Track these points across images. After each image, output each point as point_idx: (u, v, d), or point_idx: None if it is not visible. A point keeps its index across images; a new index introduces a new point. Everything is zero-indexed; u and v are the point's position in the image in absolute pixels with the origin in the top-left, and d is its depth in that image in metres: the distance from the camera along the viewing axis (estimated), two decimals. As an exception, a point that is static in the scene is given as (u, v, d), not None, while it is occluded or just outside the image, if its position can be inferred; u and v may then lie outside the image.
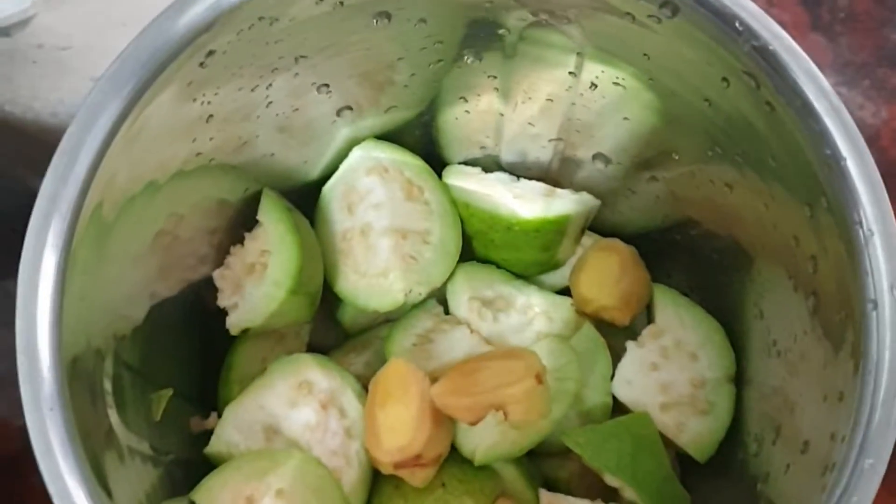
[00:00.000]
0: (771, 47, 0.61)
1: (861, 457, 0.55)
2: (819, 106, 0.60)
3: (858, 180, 0.59)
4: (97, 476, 0.57)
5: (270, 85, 0.71)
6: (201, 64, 0.64)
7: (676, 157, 0.77)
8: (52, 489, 0.55)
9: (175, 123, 0.66)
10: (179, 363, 0.80)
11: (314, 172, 0.85)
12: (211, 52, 0.64)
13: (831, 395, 0.60)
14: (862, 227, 0.58)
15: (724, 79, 0.65)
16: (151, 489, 0.69)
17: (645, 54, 0.69)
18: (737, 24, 0.62)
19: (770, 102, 0.62)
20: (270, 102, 0.73)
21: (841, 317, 0.61)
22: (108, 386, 0.65)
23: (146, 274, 0.73)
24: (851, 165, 0.59)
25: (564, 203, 0.83)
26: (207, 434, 0.77)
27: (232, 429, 0.76)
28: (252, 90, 0.70)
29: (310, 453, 0.75)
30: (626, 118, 0.78)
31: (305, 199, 0.85)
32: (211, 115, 0.69)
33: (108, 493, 0.59)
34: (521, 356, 0.75)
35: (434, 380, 0.76)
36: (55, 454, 0.55)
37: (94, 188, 0.59)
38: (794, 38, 1.08)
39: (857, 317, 0.58)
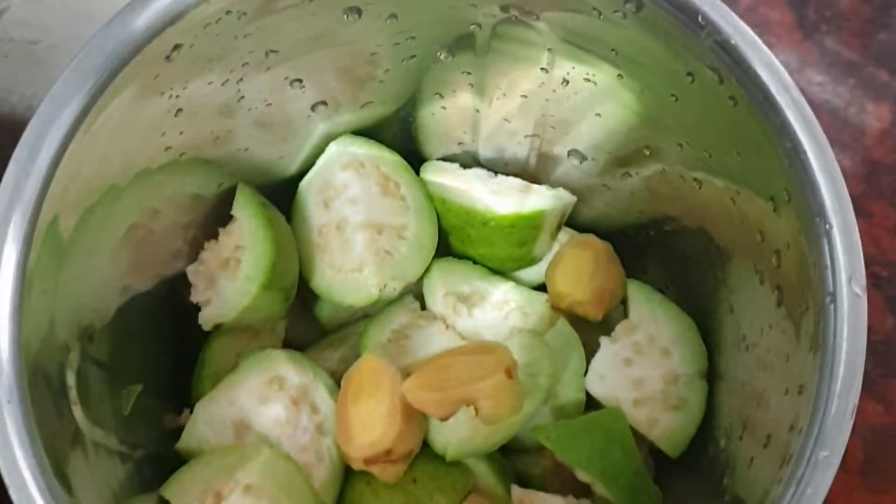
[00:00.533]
0: (733, 41, 0.61)
1: (816, 448, 0.55)
2: (780, 99, 0.60)
3: (819, 173, 0.59)
4: (56, 470, 0.57)
5: (241, 79, 0.72)
6: (167, 57, 0.64)
7: (648, 153, 0.77)
8: (8, 481, 0.55)
9: (142, 117, 0.66)
10: (152, 359, 0.80)
11: (291, 168, 0.86)
12: (177, 46, 0.64)
13: (793, 388, 0.60)
14: (822, 220, 0.58)
15: (690, 73, 0.65)
16: (119, 485, 0.69)
17: (613, 50, 0.69)
18: (699, 19, 0.61)
19: (733, 97, 0.62)
20: (242, 97, 0.73)
21: (802, 309, 0.61)
22: (72, 380, 0.65)
23: (117, 268, 0.73)
24: (812, 158, 0.59)
25: (540, 199, 0.83)
26: (179, 430, 0.77)
27: (203, 424, 0.76)
28: (222, 84, 0.71)
29: (280, 449, 0.75)
30: (598, 114, 0.78)
31: (283, 195, 0.85)
32: (180, 109, 0.69)
33: (69, 487, 0.59)
34: (491, 351, 0.75)
35: (408, 375, 0.76)
36: (12, 446, 0.56)
37: (57, 180, 0.60)
38: (780, 37, 1.08)
39: (816, 309, 0.58)
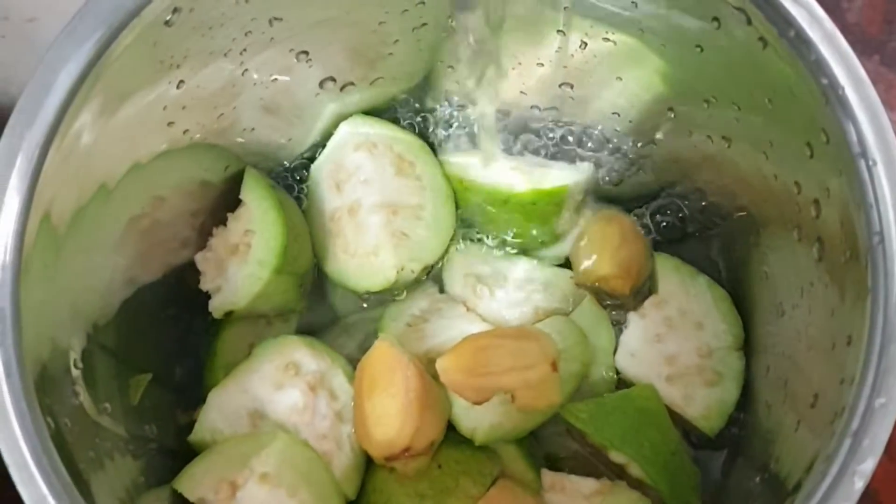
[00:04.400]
0: (759, -25, 0.57)
1: (873, 396, 0.51)
2: (812, 34, 0.56)
3: (858, 108, 0.55)
4: (66, 460, 0.54)
5: (245, 50, 0.69)
6: (167, 22, 0.61)
7: (672, 115, 0.74)
8: (7, 459, 0.52)
9: (143, 87, 0.63)
10: (161, 349, 0.77)
11: (300, 151, 0.83)
12: (176, 10, 0.61)
13: (840, 342, 0.56)
14: (864, 157, 0.54)
15: (715, 18, 0.62)
16: (133, 480, 0.66)
17: (633, 2, 0.66)
18: (723, -46, 0.58)
19: (763, 37, 0.59)
20: (246, 70, 0.71)
21: (846, 257, 0.57)
22: (77, 363, 0.62)
23: (121, 260, 0.70)
24: (850, 94, 0.55)
25: (561, 174, 0.80)
26: (193, 424, 0.74)
27: (216, 415, 0.73)
28: (225, 55, 0.68)
29: (297, 436, 0.71)
30: (619, 79, 0.75)
31: (294, 181, 0.83)
32: (182, 81, 0.66)
33: (81, 483, 0.55)
34: (535, 337, 0.72)
35: (431, 360, 0.73)
36: (11, 422, 0.52)
37: (56, 149, 0.56)
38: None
39: (862, 253, 0.54)
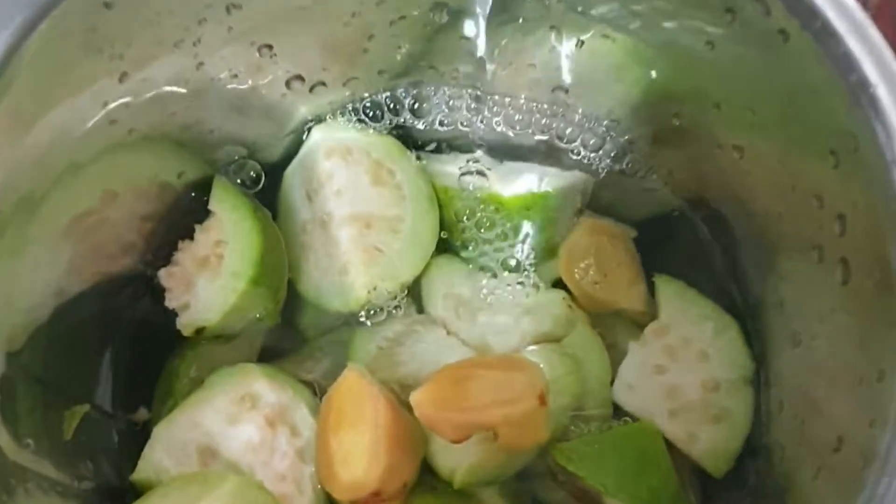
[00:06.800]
0: (780, -40, 0.51)
1: (910, 441, 0.45)
2: (840, 25, 0.50)
3: (892, 109, 0.48)
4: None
5: (199, 41, 0.62)
6: (106, 4, 0.54)
7: (678, 123, 0.68)
8: None
9: (77, 80, 0.56)
10: (102, 376, 0.71)
11: (273, 155, 0.77)
12: (117, -10, 0.54)
13: (868, 377, 0.50)
14: (900, 165, 0.48)
15: (729, 10, 0.56)
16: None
17: (636, -8, 0.60)
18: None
19: (783, 29, 0.53)
20: (202, 63, 0.64)
21: (875, 280, 0.50)
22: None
23: (52, 263, 0.64)
24: (882, 93, 0.49)
25: (555, 179, 0.74)
26: (135, 458, 0.67)
27: (162, 451, 0.66)
28: (175, 45, 0.61)
29: (252, 477, 0.65)
30: (619, 81, 0.69)
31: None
32: (125, 73, 0.59)
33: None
34: (521, 367, 0.65)
35: (405, 388, 0.67)
36: None
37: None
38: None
39: (894, 276, 0.47)
